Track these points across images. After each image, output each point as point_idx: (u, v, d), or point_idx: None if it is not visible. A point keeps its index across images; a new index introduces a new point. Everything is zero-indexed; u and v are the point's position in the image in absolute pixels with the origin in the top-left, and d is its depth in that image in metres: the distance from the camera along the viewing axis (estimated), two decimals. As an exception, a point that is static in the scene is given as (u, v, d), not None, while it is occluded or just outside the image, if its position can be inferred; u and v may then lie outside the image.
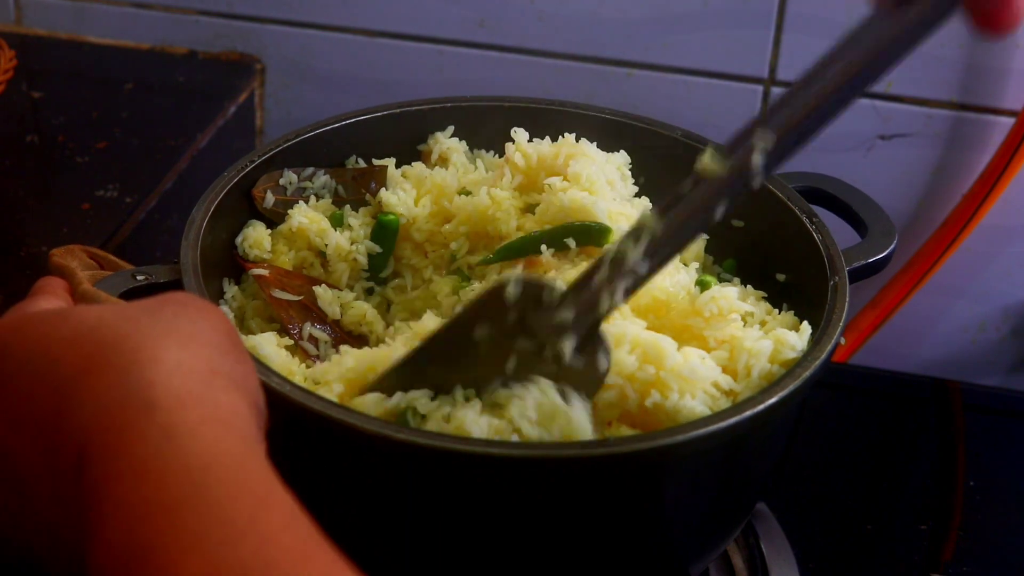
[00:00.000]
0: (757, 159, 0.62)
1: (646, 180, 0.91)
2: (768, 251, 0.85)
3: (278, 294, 0.81)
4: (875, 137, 1.16)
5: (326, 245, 0.85)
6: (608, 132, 0.91)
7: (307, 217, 0.85)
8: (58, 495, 0.51)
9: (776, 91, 1.16)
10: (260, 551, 0.46)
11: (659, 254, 0.65)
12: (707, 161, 0.63)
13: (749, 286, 0.83)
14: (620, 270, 0.65)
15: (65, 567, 0.52)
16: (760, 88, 1.17)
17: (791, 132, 0.63)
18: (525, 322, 0.66)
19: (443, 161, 0.91)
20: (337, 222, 0.86)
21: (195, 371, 0.52)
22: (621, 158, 0.89)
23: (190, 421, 0.49)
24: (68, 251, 0.76)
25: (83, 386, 0.51)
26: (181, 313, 0.55)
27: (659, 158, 0.90)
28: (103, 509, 0.47)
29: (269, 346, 0.76)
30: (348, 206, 0.88)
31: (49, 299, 0.65)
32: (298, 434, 0.61)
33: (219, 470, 0.48)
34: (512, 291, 0.66)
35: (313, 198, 0.88)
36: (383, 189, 0.88)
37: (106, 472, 0.48)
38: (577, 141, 0.87)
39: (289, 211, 0.86)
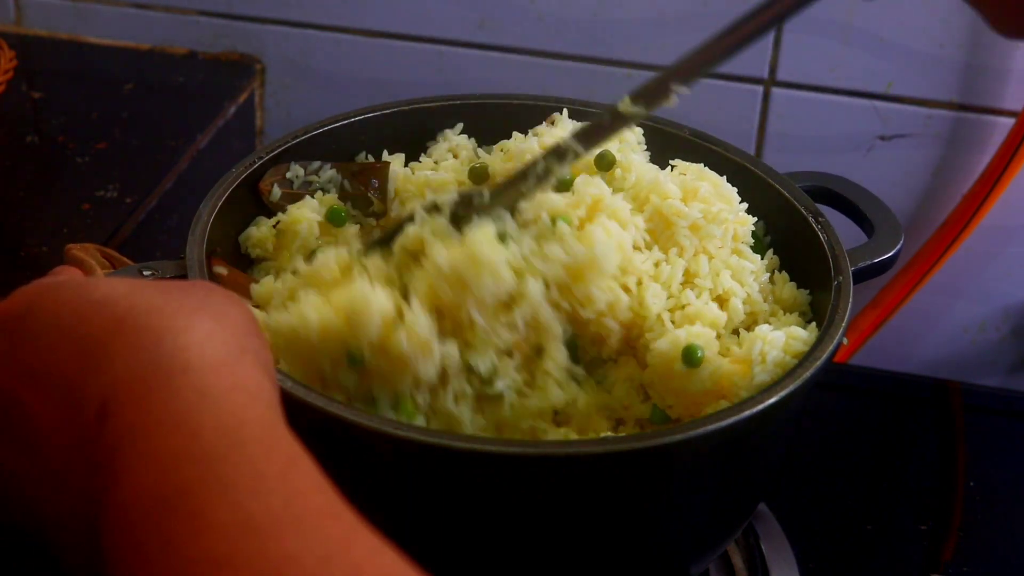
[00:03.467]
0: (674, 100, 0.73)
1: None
2: (773, 249, 0.85)
3: None
4: (875, 137, 1.16)
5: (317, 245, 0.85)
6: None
7: (292, 217, 0.85)
8: (71, 451, 0.51)
9: (776, 91, 1.16)
10: (290, 505, 0.46)
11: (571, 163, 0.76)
12: (628, 105, 0.74)
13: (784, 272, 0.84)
14: (542, 181, 0.76)
15: (68, 527, 0.53)
16: (760, 88, 1.17)
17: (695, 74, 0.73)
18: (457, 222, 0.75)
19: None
20: (336, 218, 0.86)
21: (224, 343, 0.53)
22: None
23: (222, 385, 0.50)
24: (83, 248, 0.76)
25: (113, 345, 0.52)
26: (212, 295, 0.56)
27: (668, 156, 0.90)
28: (130, 460, 0.48)
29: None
30: (351, 202, 0.88)
31: (66, 274, 0.66)
32: (296, 430, 0.60)
33: (250, 430, 0.49)
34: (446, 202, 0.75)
35: (320, 192, 0.88)
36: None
37: (135, 425, 0.49)
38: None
39: (280, 213, 0.86)
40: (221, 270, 0.82)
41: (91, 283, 0.56)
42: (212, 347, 0.52)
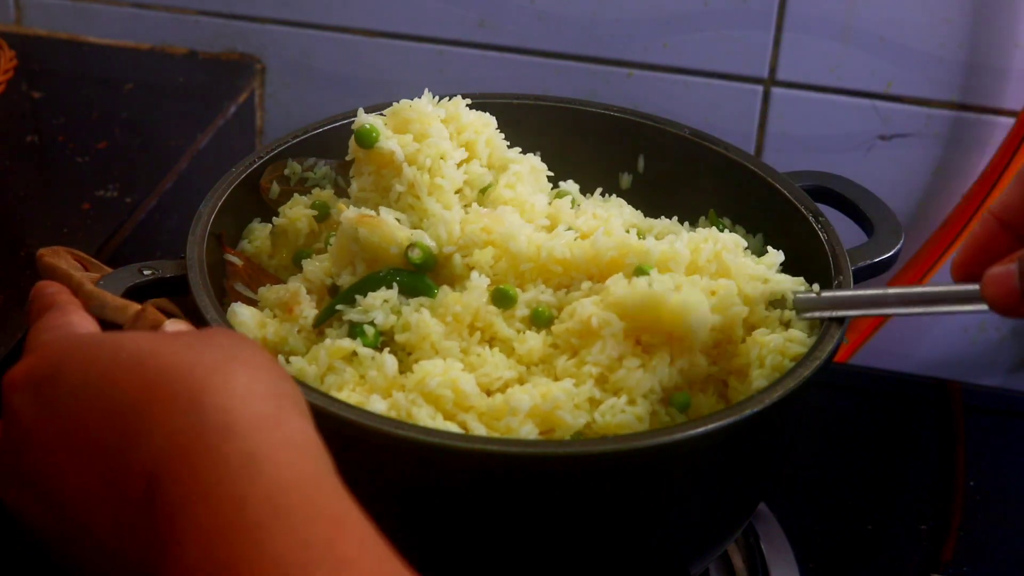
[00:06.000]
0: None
1: (655, 178, 0.91)
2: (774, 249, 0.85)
3: (239, 288, 0.82)
4: (875, 137, 1.16)
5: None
6: (618, 130, 0.92)
7: (288, 218, 0.86)
8: (120, 522, 0.51)
9: (776, 91, 1.16)
10: (337, 574, 0.46)
11: None
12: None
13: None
14: None
15: None
16: (760, 88, 1.17)
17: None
18: None
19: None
20: (323, 210, 0.86)
21: (264, 396, 0.52)
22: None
23: (267, 445, 0.50)
24: (55, 253, 0.75)
25: (151, 414, 0.51)
26: (237, 344, 0.55)
27: (668, 156, 0.90)
28: (182, 532, 0.48)
29: (244, 312, 0.77)
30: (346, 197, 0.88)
31: (78, 314, 0.65)
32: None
33: (297, 493, 0.49)
34: None
35: (317, 188, 0.88)
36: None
37: (184, 497, 0.49)
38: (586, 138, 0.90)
39: (275, 218, 0.86)
40: (235, 259, 0.82)
41: (114, 342, 0.55)
42: (253, 403, 0.51)
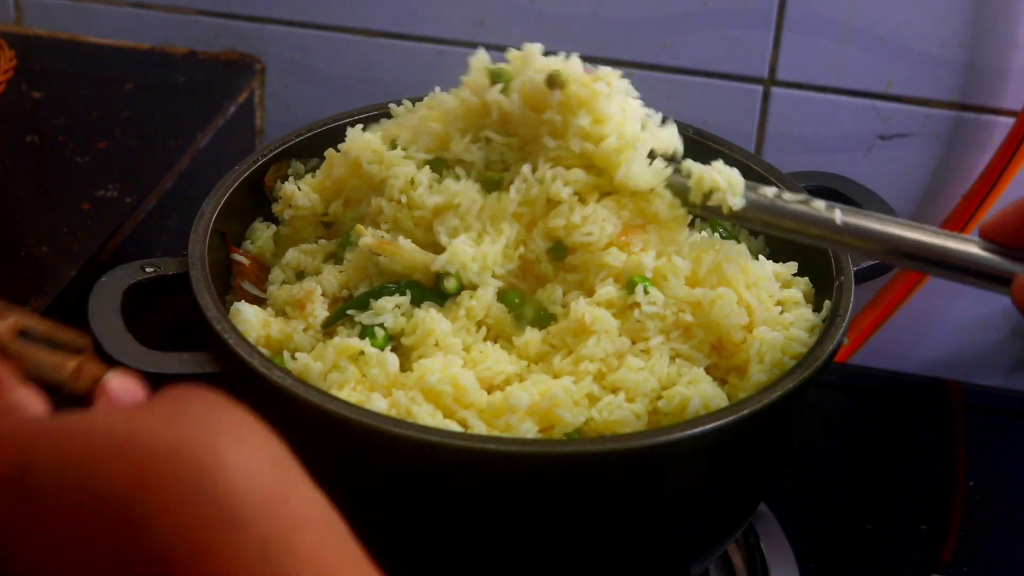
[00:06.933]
0: None
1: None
2: (775, 249, 0.85)
3: (247, 287, 0.82)
4: (875, 137, 1.16)
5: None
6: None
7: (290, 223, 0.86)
8: None
9: (776, 91, 1.16)
10: None
11: None
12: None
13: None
14: None
15: None
16: (760, 88, 1.17)
17: None
18: None
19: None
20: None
21: (263, 468, 0.50)
22: None
23: (280, 527, 0.48)
24: None
25: (147, 502, 0.48)
26: (207, 407, 0.52)
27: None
28: None
29: (247, 310, 0.77)
30: None
31: (18, 391, 0.57)
32: (295, 425, 0.61)
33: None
34: None
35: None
36: None
37: None
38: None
39: (278, 226, 0.87)
40: (241, 259, 0.82)
41: (83, 425, 0.51)
42: (255, 480, 0.49)
